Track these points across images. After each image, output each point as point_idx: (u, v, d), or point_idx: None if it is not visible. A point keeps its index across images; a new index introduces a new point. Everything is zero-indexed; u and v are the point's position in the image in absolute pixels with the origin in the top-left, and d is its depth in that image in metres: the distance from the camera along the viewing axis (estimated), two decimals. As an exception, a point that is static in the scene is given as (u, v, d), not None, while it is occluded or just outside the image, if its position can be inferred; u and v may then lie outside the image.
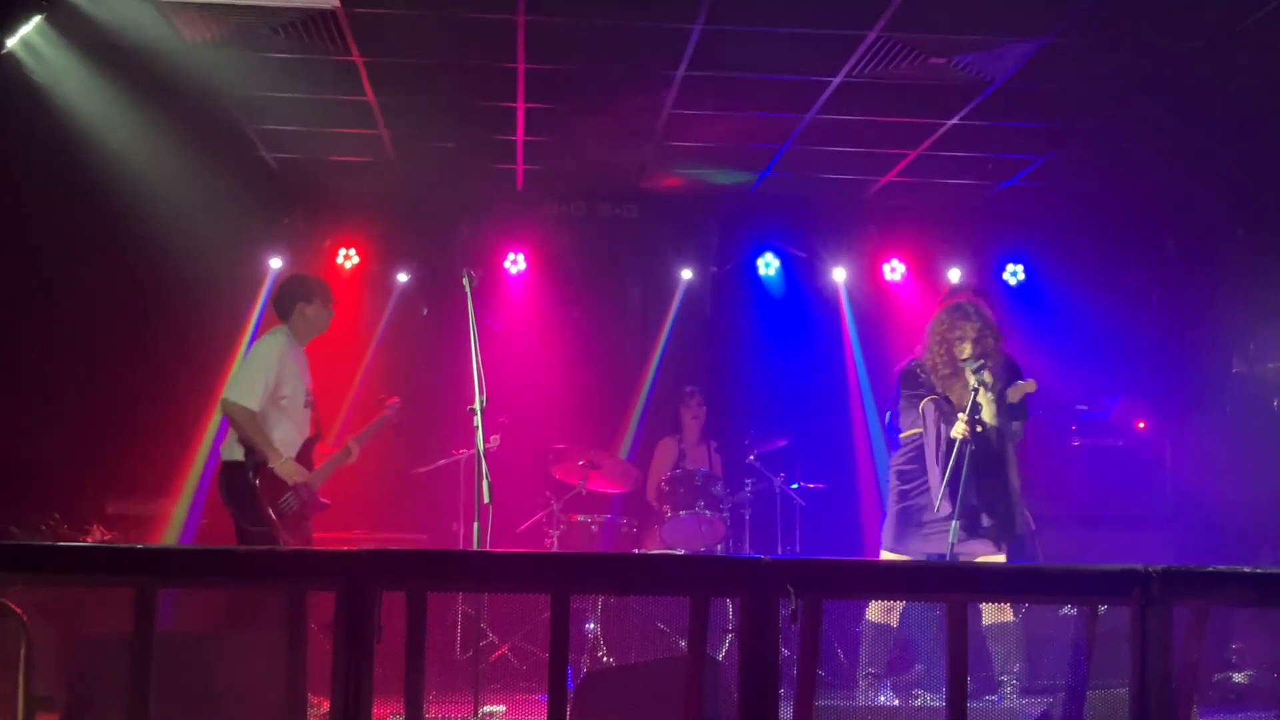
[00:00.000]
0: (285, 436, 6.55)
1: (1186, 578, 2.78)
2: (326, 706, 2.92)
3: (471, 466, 7.21)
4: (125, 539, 7.64)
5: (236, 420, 6.42)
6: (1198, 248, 8.68)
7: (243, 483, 6.35)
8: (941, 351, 6.25)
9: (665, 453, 9.26)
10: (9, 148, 7.47)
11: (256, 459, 6.39)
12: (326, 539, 7.47)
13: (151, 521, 8.43)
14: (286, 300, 6.82)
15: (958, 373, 6.19)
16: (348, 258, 9.85)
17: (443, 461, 8.27)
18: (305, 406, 6.70)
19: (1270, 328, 7.42)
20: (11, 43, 6.54)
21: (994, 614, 6.18)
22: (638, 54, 7.29)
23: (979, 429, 6.00)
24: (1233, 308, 7.11)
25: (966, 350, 6.17)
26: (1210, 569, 2.79)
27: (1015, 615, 6.24)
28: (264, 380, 6.46)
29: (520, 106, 8.07)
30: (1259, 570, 2.83)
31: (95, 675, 4.51)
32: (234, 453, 6.46)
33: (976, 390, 5.96)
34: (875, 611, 6.20)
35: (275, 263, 9.62)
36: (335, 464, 6.82)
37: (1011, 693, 6.04)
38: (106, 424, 8.62)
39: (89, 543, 6.86)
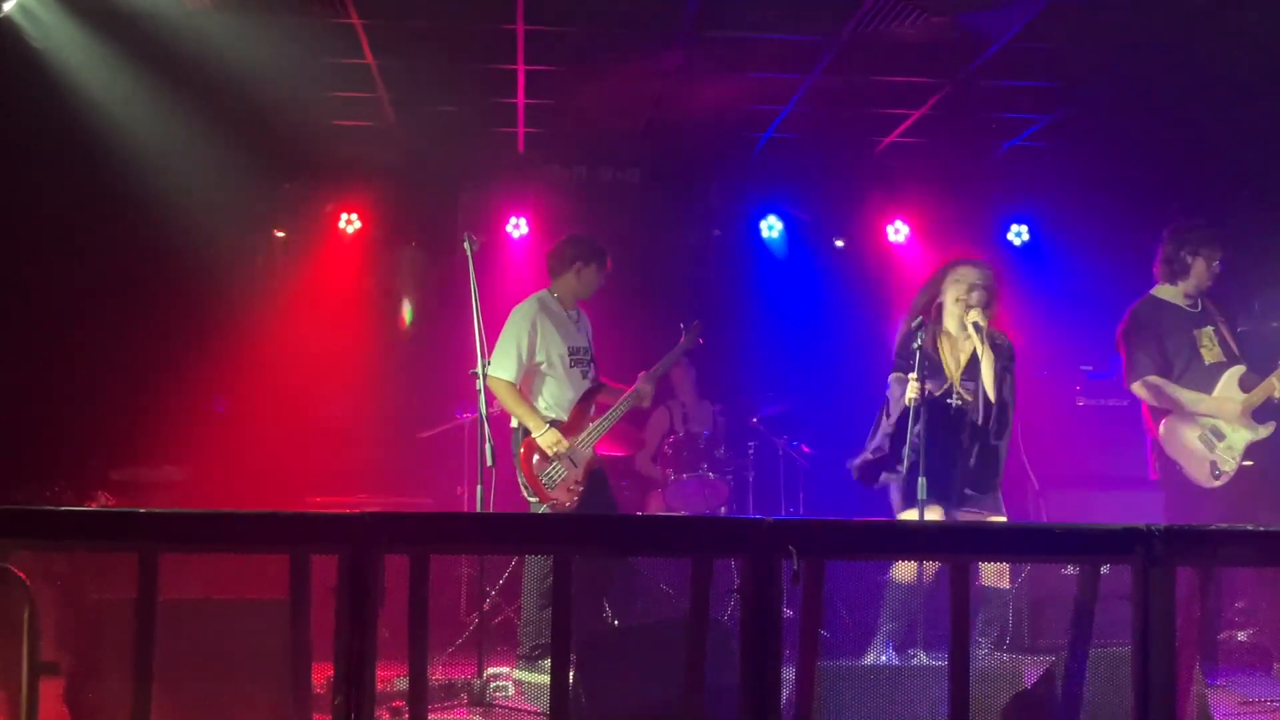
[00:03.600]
0: (553, 399, 6.65)
1: (1188, 537, 2.78)
2: (331, 670, 2.93)
3: (475, 430, 7.22)
4: (131, 506, 7.66)
5: (496, 393, 6.49)
6: (1203, 207, 8.64)
7: (517, 457, 6.51)
8: (930, 301, 6.16)
9: (658, 419, 9.26)
10: (7, 114, 7.44)
11: (523, 431, 6.53)
12: (330, 504, 7.49)
13: (159, 488, 8.45)
14: (565, 260, 6.86)
15: (947, 328, 6.10)
16: (349, 223, 9.84)
17: (446, 426, 8.27)
18: (572, 366, 6.72)
19: (1276, 287, 7.41)
20: (9, 7, 6.51)
21: (991, 578, 6.17)
22: (638, 15, 7.25)
23: (964, 395, 5.97)
24: (1239, 266, 7.10)
25: (964, 294, 6.05)
26: (1212, 528, 2.79)
27: (1012, 583, 6.22)
28: (516, 350, 6.55)
29: (520, 69, 8.03)
30: (1260, 529, 2.83)
31: (100, 641, 4.52)
32: (513, 421, 6.61)
33: (976, 329, 5.89)
34: (905, 572, 6.15)
35: (280, 233, 9.61)
36: (620, 410, 6.81)
37: (985, 655, 6.08)
38: (111, 391, 8.61)
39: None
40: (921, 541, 2.91)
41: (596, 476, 6.74)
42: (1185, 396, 6.63)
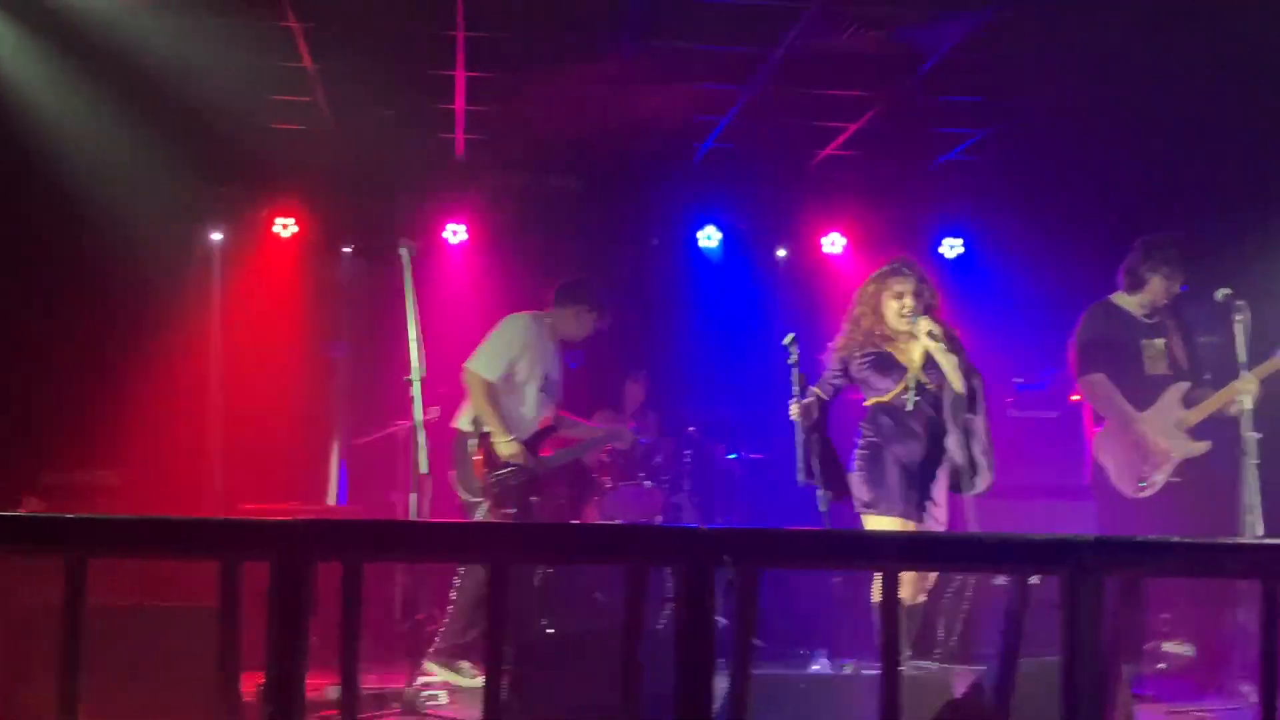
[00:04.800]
0: (514, 416, 6.65)
1: (1117, 547, 2.81)
2: (262, 678, 2.90)
3: (410, 438, 7.18)
4: (62, 510, 7.54)
5: (471, 388, 6.53)
6: (1134, 223, 8.77)
7: (463, 451, 6.49)
8: (871, 312, 6.08)
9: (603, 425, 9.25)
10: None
11: (480, 431, 6.50)
12: (263, 510, 7.42)
13: (92, 492, 8.32)
14: (577, 298, 6.91)
15: (895, 333, 6.03)
16: (285, 227, 9.74)
17: (381, 433, 8.22)
18: (541, 391, 6.75)
19: (1200, 303, 7.53)
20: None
21: (907, 592, 6.20)
22: (579, 22, 7.25)
23: (927, 386, 5.98)
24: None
25: (909, 305, 5.98)
26: (1141, 539, 2.83)
27: (925, 597, 6.23)
28: (506, 355, 6.60)
29: (460, 74, 8.01)
30: (1188, 540, 2.87)
31: (28, 648, 4.46)
32: (462, 422, 6.59)
33: (931, 338, 5.84)
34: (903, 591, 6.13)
35: (216, 236, 9.51)
36: (581, 451, 6.97)
37: (915, 665, 6.14)
38: (43, 394, 8.49)
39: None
40: (853, 550, 2.92)
41: (532, 497, 6.76)
42: (1125, 408, 6.72)
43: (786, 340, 6.12)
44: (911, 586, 6.08)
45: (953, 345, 5.97)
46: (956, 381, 5.92)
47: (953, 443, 5.97)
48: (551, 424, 6.89)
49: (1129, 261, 6.94)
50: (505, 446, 6.54)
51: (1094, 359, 6.83)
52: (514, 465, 6.56)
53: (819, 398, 6.11)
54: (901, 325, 6.01)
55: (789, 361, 6.02)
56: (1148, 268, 6.84)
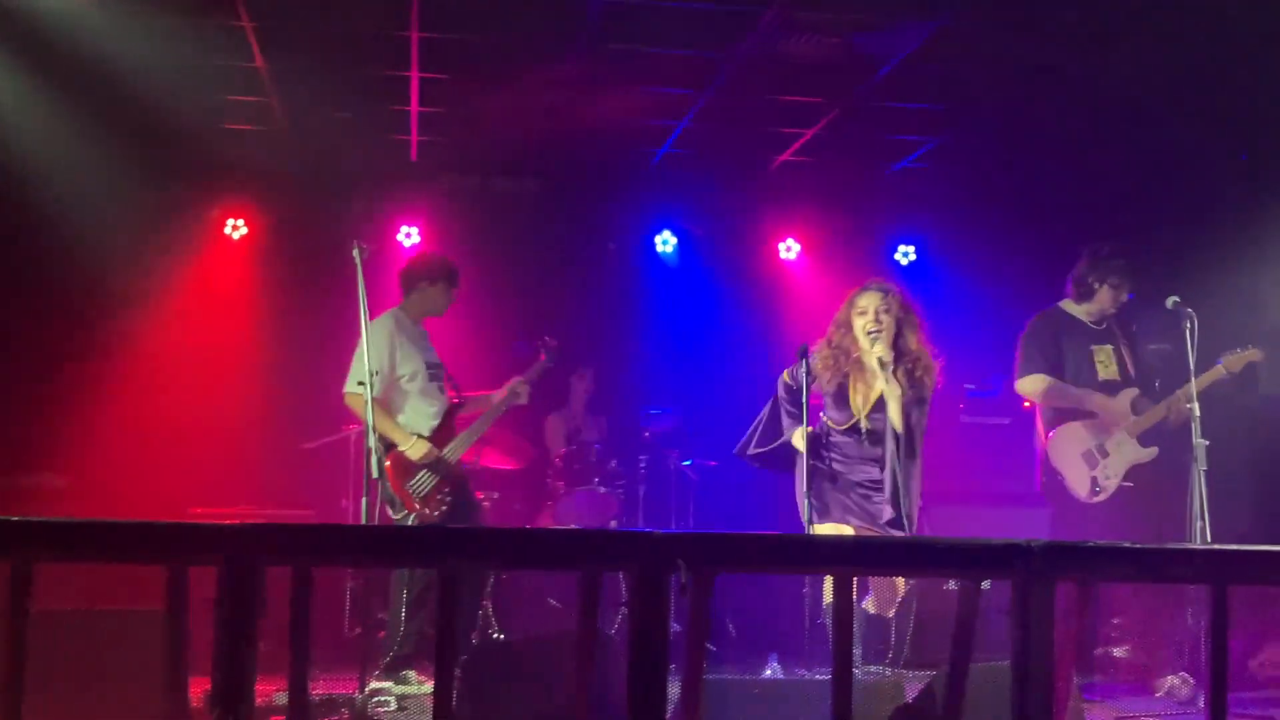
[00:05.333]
0: (415, 415, 6.62)
1: (1067, 552, 2.83)
2: (209, 684, 2.87)
3: (360, 442, 7.14)
4: (3, 514, 7.43)
5: (356, 409, 6.40)
6: (1085, 230, 8.85)
7: (379, 469, 6.33)
8: (842, 327, 6.06)
9: (553, 429, 9.25)
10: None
11: (386, 444, 6.42)
12: (211, 515, 7.35)
13: (37, 495, 8.21)
14: (413, 278, 6.86)
15: (860, 352, 6.02)
16: (236, 228, 9.65)
17: (331, 437, 8.15)
18: (431, 380, 6.71)
19: (1151, 311, 7.62)
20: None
21: (877, 607, 6.24)
22: (535, 25, 7.23)
23: (873, 427, 5.99)
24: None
25: (870, 323, 5.96)
26: (1091, 544, 2.84)
27: (861, 600, 6.25)
28: (378, 363, 6.40)
29: (415, 76, 7.97)
30: (1138, 546, 2.89)
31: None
32: (370, 441, 6.37)
33: (880, 364, 5.84)
34: (873, 603, 6.17)
35: (165, 237, 9.41)
36: (485, 424, 6.82)
37: (868, 670, 6.18)
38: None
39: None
40: (806, 555, 2.92)
41: (461, 485, 6.78)
42: (1075, 391, 6.81)
43: (801, 351, 6.05)
44: (882, 598, 6.13)
45: (910, 379, 5.96)
46: (897, 419, 5.91)
47: (887, 479, 5.95)
48: (457, 402, 6.86)
49: (1077, 271, 7.01)
50: (413, 450, 6.52)
51: (1035, 361, 6.91)
52: (426, 467, 6.54)
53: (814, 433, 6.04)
54: (865, 342, 6.02)
55: (799, 374, 5.98)
56: (1096, 277, 6.92)
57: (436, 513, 6.53)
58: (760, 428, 6.32)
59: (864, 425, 6.00)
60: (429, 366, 6.75)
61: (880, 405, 5.97)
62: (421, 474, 6.53)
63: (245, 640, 2.75)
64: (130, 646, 4.52)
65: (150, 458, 8.47)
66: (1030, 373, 6.93)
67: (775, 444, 6.20)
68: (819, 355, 6.11)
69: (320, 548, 2.89)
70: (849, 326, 6.05)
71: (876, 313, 5.98)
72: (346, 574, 7.70)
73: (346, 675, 6.31)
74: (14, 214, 8.39)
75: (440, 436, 6.67)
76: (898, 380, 5.89)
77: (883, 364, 5.89)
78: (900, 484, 5.86)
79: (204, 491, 7.84)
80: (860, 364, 6.04)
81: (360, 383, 6.09)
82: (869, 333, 5.96)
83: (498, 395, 6.92)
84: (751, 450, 6.32)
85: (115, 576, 5.98)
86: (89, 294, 8.94)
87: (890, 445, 5.89)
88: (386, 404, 6.54)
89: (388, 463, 6.46)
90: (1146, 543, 2.89)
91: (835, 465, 6.07)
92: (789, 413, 6.16)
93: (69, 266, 8.77)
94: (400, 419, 6.61)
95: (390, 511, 6.53)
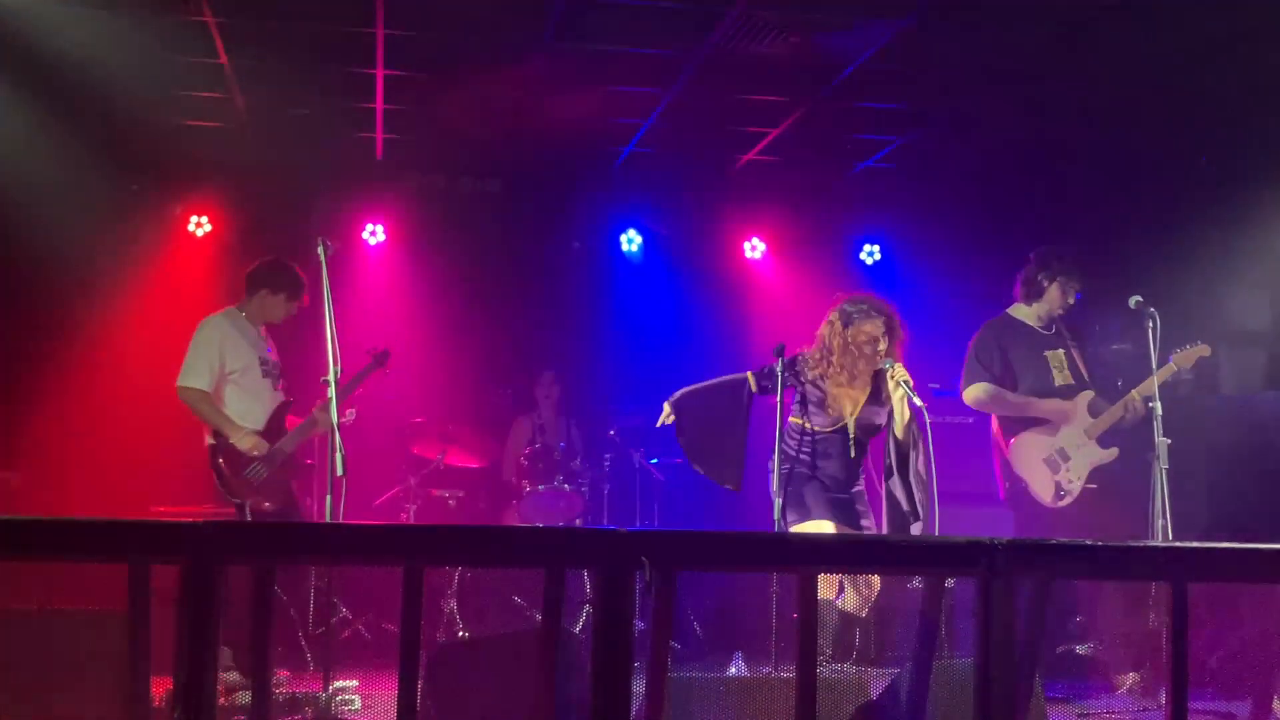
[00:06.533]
0: (245, 409, 6.73)
1: (1030, 550, 2.85)
2: (170, 683, 2.85)
3: (325, 439, 7.10)
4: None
5: (190, 402, 6.64)
6: (1048, 229, 8.91)
7: (213, 464, 6.61)
8: (843, 349, 6.26)
9: (519, 431, 9.25)
10: None
11: (220, 438, 6.60)
12: (173, 513, 7.30)
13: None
14: (255, 283, 6.93)
15: (864, 371, 6.24)
16: (199, 225, 9.59)
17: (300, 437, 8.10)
18: (264, 377, 6.83)
19: (1115, 312, 7.68)
20: None
21: (852, 605, 6.31)
22: (500, 23, 7.21)
23: (859, 436, 6.26)
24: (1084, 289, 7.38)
25: (883, 348, 6.22)
26: (1053, 542, 2.87)
27: (837, 598, 6.32)
28: (208, 361, 6.64)
29: (379, 73, 7.93)
30: (1099, 543, 2.91)
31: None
32: (209, 438, 6.68)
33: (893, 382, 6.06)
34: (848, 602, 6.27)
35: (128, 234, 9.34)
36: (304, 431, 6.89)
37: (832, 667, 6.24)
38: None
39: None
40: (770, 553, 2.93)
41: (286, 479, 6.89)
42: (1016, 399, 6.86)
43: (779, 350, 6.29)
44: (857, 598, 6.20)
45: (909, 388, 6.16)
46: (900, 427, 6.14)
47: (896, 484, 6.16)
48: (288, 400, 6.96)
49: (1026, 272, 7.07)
50: (243, 441, 6.64)
51: (977, 371, 6.97)
52: (257, 457, 6.66)
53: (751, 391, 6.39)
54: (872, 365, 6.24)
55: (776, 370, 6.20)
56: (1045, 276, 6.97)
57: (269, 503, 6.67)
58: (713, 429, 6.48)
59: (851, 431, 6.26)
60: (262, 363, 6.87)
61: (866, 414, 6.27)
62: (255, 465, 6.66)
63: (207, 639, 2.73)
64: (91, 646, 4.49)
65: (112, 455, 8.41)
66: (973, 382, 6.99)
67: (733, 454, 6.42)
68: (814, 368, 6.30)
69: (283, 546, 2.88)
70: (858, 351, 6.23)
71: (887, 341, 6.25)
72: (310, 572, 7.65)
73: (310, 673, 6.27)
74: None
75: (271, 430, 6.79)
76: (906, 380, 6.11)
77: (903, 382, 6.07)
78: (916, 486, 6.12)
79: (166, 489, 7.77)
80: (860, 379, 6.26)
81: (196, 378, 6.58)
82: (885, 364, 6.17)
83: (301, 422, 6.97)
84: (699, 459, 6.50)
85: (75, 575, 5.95)
86: (51, 291, 8.87)
87: (895, 454, 6.19)
88: (218, 398, 6.70)
89: (221, 458, 6.61)
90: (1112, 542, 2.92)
91: (817, 466, 6.30)
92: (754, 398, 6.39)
93: (30, 264, 8.69)
94: (229, 411, 6.71)
95: (228, 497, 6.63)
